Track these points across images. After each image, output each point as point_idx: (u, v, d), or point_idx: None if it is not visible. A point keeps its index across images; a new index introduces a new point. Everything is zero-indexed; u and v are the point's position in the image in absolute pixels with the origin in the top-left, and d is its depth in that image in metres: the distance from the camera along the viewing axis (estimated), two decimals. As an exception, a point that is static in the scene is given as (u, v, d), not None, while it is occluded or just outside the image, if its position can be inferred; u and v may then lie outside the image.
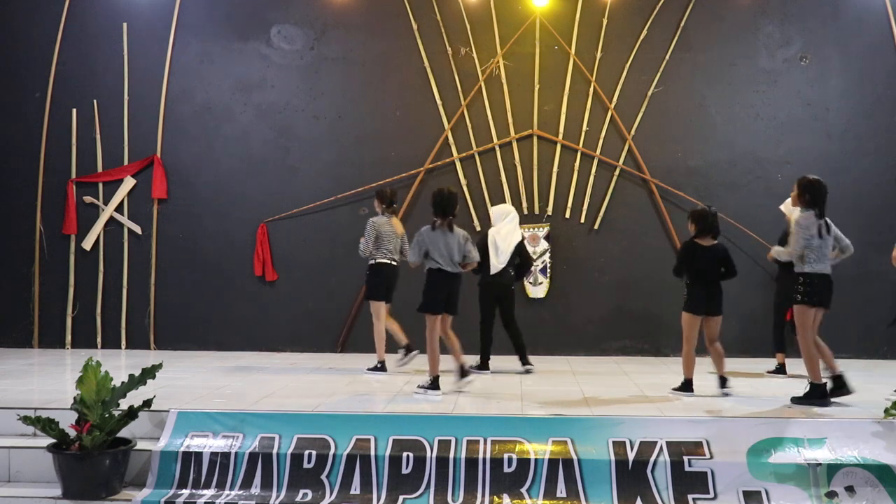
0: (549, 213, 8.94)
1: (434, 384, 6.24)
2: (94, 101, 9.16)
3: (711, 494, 4.87)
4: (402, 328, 7.53)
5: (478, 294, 7.47)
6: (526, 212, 8.90)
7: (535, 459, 5.00)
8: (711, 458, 4.98)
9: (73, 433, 4.96)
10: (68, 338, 9.09)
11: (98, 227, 9.12)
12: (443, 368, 6.36)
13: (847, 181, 8.45)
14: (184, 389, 6.33)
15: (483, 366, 7.48)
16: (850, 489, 4.89)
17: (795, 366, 7.20)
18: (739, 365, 7.68)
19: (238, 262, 9.05)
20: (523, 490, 4.94)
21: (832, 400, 5.84)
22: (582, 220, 8.94)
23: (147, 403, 5.17)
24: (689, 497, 4.86)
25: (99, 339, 9.09)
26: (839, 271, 6.48)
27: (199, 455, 5.09)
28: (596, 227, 8.92)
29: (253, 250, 9.02)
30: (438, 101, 8.98)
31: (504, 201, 8.86)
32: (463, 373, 6.41)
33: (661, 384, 6.65)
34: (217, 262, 9.07)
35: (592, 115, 8.94)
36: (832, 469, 4.93)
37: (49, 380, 7.06)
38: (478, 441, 5.10)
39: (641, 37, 8.89)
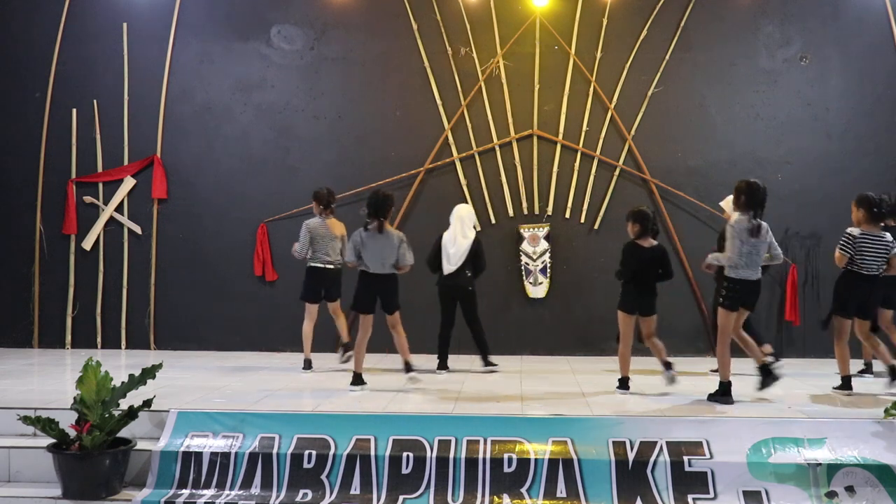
0: (549, 213, 8.93)
1: (356, 379, 6.55)
2: (94, 101, 9.15)
3: (711, 494, 4.88)
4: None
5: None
6: (526, 212, 8.90)
7: (535, 459, 5.01)
8: (711, 458, 4.99)
9: (73, 433, 4.96)
10: (68, 338, 9.09)
11: (98, 227, 9.12)
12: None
13: (847, 181, 8.43)
14: (184, 389, 6.34)
15: (441, 365, 7.52)
16: (850, 489, 4.90)
17: (795, 365, 7.19)
18: (740, 365, 7.64)
19: (238, 262, 9.04)
20: (523, 490, 4.94)
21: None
22: (582, 220, 8.94)
23: (147, 403, 5.18)
24: (689, 497, 4.87)
25: (99, 339, 9.09)
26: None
27: (199, 455, 5.09)
28: (596, 227, 8.92)
29: (253, 250, 9.01)
30: (438, 101, 8.98)
31: (504, 201, 8.87)
32: (407, 368, 6.64)
33: (661, 384, 6.63)
34: (217, 262, 9.06)
35: (592, 115, 8.93)
36: (832, 469, 4.94)
37: (49, 380, 7.06)
38: (478, 441, 5.11)
39: (641, 37, 8.88)
